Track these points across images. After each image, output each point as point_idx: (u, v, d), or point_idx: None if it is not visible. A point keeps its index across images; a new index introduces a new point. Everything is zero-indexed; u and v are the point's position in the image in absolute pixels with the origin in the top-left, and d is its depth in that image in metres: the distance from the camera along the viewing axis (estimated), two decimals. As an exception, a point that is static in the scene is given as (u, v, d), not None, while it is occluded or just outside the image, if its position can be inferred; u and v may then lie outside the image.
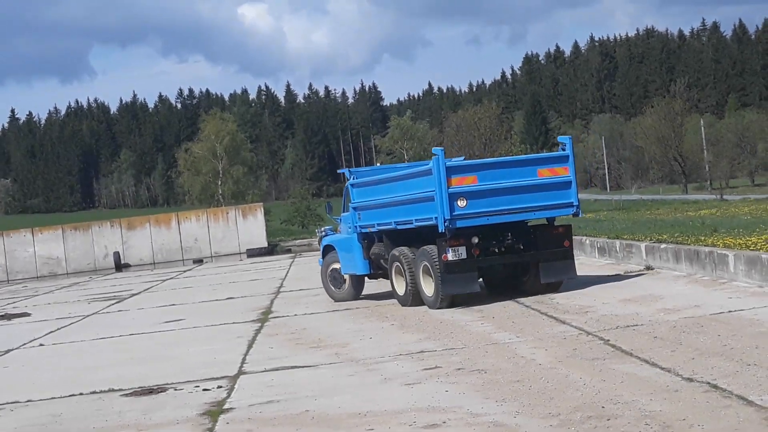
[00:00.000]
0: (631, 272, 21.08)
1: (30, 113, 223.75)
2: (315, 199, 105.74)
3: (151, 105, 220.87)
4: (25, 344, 20.68)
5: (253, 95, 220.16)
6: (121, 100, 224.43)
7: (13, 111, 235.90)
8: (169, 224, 57.55)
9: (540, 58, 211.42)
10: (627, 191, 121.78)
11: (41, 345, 20.38)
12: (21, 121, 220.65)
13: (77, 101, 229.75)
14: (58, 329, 23.07)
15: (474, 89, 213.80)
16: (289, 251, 58.29)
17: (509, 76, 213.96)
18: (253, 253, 55.47)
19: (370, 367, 13.13)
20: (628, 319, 14.75)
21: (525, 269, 19.36)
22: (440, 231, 18.05)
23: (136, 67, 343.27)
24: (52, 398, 13.45)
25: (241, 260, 52.98)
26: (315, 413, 10.59)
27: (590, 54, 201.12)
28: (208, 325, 20.52)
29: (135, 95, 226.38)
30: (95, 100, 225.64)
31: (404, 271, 19.38)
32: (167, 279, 40.15)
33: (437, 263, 18.27)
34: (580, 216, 19.96)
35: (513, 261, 19.18)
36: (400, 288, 19.79)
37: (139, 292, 33.57)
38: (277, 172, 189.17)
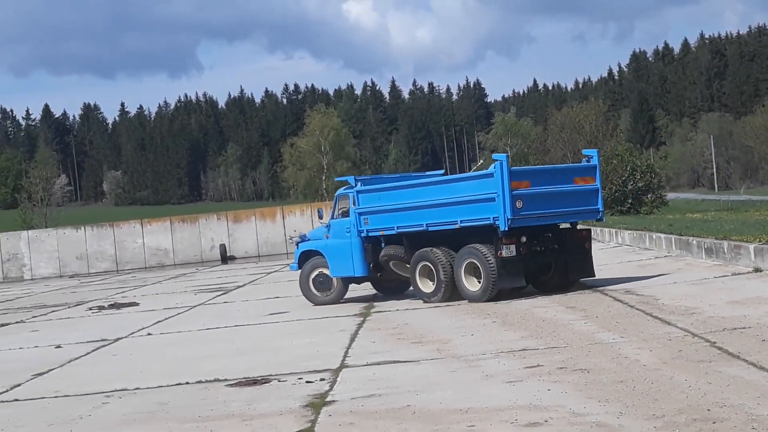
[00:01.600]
0: (739, 274, 20.67)
1: (141, 107, 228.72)
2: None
3: (257, 100, 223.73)
4: (133, 333, 21.16)
5: (358, 91, 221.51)
6: (229, 95, 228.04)
7: (123, 105, 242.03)
8: (273, 218, 58.20)
9: (648, 56, 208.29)
10: (735, 191, 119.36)
11: (149, 334, 20.83)
12: (131, 115, 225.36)
13: (186, 95, 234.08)
14: (166, 319, 23.56)
15: (580, 86, 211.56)
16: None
17: (616, 74, 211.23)
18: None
19: (471, 364, 13.12)
20: (736, 321, 14.46)
21: (549, 267, 21.20)
22: (502, 229, 19.76)
23: (243, 62, 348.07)
24: (159, 386, 13.74)
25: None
26: (416, 408, 10.63)
27: (700, 52, 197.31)
28: (311, 318, 20.74)
29: (242, 90, 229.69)
30: (204, 95, 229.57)
31: (436, 269, 20.82)
32: (272, 272, 40.62)
33: (490, 260, 19.94)
34: (603, 221, 23.01)
35: (550, 259, 21.04)
36: (426, 286, 21.25)
37: (244, 284, 34.04)
38: (380, 168, 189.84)
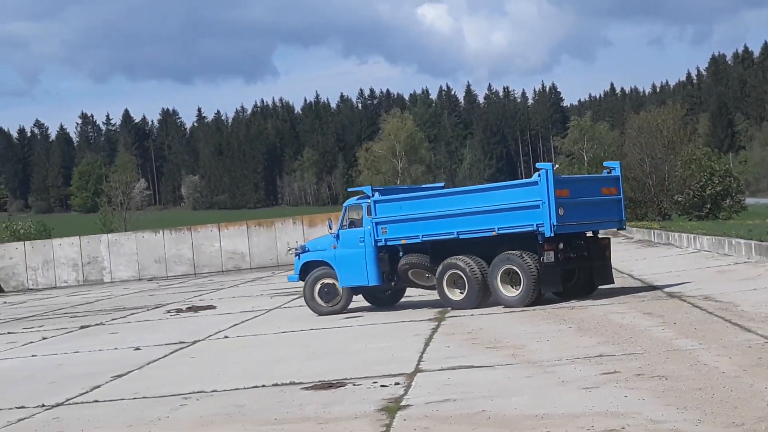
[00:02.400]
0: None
1: (218, 112, 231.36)
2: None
3: (333, 105, 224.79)
4: (210, 336, 21.39)
5: (433, 95, 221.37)
6: (305, 100, 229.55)
7: (200, 110, 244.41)
8: (348, 222, 58.32)
9: (727, 59, 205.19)
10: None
11: (226, 337, 21.04)
12: (208, 120, 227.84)
13: (263, 100, 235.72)
14: (242, 322, 23.78)
15: (657, 90, 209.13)
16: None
17: (694, 77, 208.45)
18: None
19: (547, 370, 13.04)
20: (818, 329, 14.19)
21: (573, 274, 21.84)
22: (547, 235, 20.38)
23: (318, 67, 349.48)
24: (236, 389, 13.87)
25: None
26: (491, 413, 10.60)
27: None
28: (385, 323, 20.77)
29: (318, 95, 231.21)
30: (280, 100, 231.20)
31: (467, 276, 21.28)
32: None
33: (531, 266, 20.57)
34: (625, 229, 24.72)
35: (580, 266, 21.75)
36: (454, 293, 21.71)
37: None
38: (455, 172, 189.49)
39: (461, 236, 21.57)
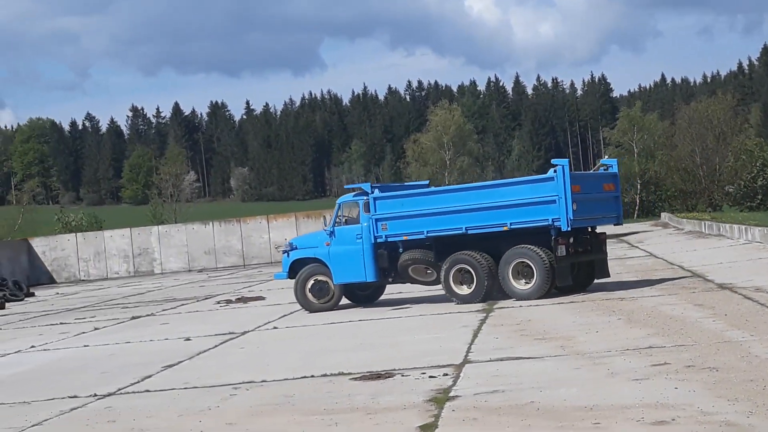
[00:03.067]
0: None
1: (266, 104, 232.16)
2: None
3: (381, 97, 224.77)
4: (260, 327, 21.53)
5: (481, 87, 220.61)
6: (352, 92, 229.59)
7: (248, 102, 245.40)
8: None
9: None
10: None
11: (275, 328, 21.16)
12: (257, 113, 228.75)
13: (311, 93, 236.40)
14: (291, 313, 23.88)
15: (708, 80, 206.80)
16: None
17: (746, 67, 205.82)
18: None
19: (596, 361, 12.98)
20: None
21: (574, 268, 22.16)
22: (564, 230, 21.05)
23: (365, 59, 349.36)
24: (285, 379, 13.95)
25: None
26: (540, 405, 10.58)
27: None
28: (433, 314, 20.78)
29: (365, 87, 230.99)
30: (328, 92, 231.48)
31: (477, 271, 21.65)
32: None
33: (545, 259, 21.13)
34: (622, 224, 24.89)
35: (585, 259, 22.38)
36: (461, 289, 21.98)
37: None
38: (503, 164, 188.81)
39: (470, 232, 21.98)
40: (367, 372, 13.74)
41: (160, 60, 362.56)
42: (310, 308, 23.62)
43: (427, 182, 26.56)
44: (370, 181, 23.96)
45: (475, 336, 16.66)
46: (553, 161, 21.94)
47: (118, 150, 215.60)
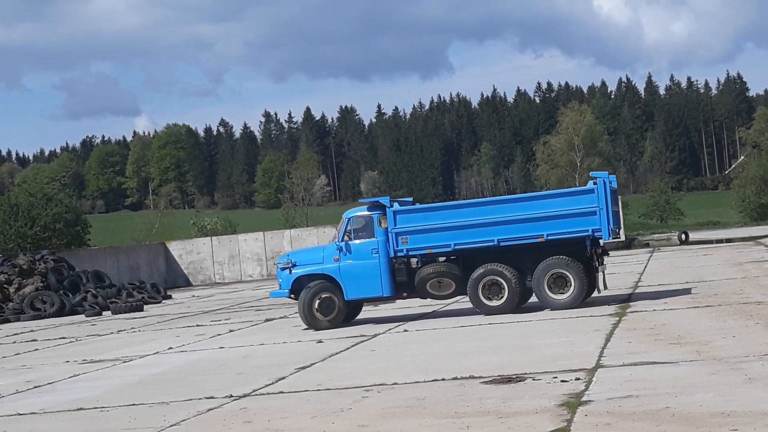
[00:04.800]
0: None
1: (396, 108, 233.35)
2: (674, 192, 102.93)
3: (510, 99, 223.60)
4: (390, 329, 21.67)
5: (612, 87, 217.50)
6: (481, 94, 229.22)
7: (379, 106, 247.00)
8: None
9: None
10: None
11: (405, 330, 21.27)
12: (387, 116, 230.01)
13: (440, 96, 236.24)
14: (421, 316, 23.96)
15: None
16: (646, 245, 57.20)
17: None
18: (609, 246, 54.95)
19: (733, 366, 12.70)
20: None
21: None
22: (605, 240, 22.24)
23: (494, 61, 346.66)
24: (416, 382, 14.00)
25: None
26: (675, 410, 10.39)
27: None
28: (564, 318, 20.60)
29: (494, 89, 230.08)
30: (457, 95, 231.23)
31: (508, 282, 22.16)
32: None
33: (581, 270, 21.95)
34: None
35: (602, 270, 22.81)
36: (490, 300, 22.41)
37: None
38: (635, 165, 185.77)
39: (502, 244, 22.38)
40: (498, 375, 13.71)
41: (291, 65, 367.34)
42: (318, 327, 22.92)
43: (410, 199, 25.81)
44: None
45: (607, 340, 16.46)
46: (592, 174, 22.83)
47: (251, 155, 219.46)
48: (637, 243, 57.97)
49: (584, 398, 11.57)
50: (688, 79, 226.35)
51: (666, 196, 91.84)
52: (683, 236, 59.02)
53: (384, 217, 23.09)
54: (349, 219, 23.59)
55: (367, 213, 23.43)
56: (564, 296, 21.99)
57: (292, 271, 23.72)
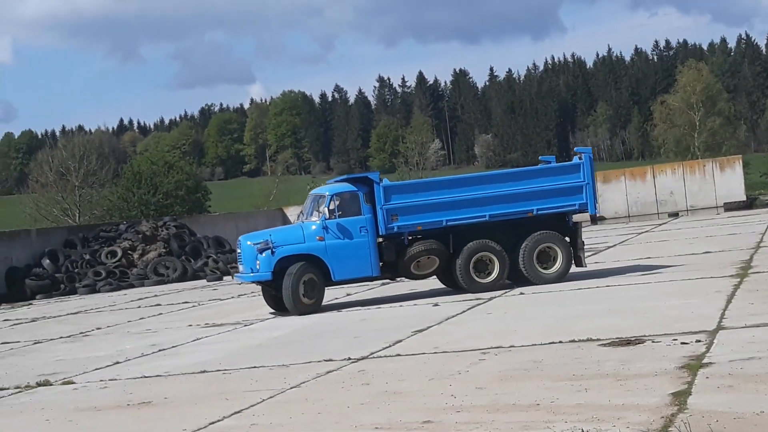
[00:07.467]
0: None
1: (509, 70, 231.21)
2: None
3: (627, 58, 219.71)
4: (506, 292, 21.63)
5: (731, 44, 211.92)
6: (596, 54, 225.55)
7: (492, 69, 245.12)
8: (644, 177, 57.40)
9: None
10: None
11: (521, 293, 21.22)
12: (500, 79, 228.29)
13: (553, 57, 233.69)
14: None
15: None
16: (768, 205, 55.82)
17: None
18: (730, 206, 53.83)
19: None
20: None
21: None
22: (591, 213, 22.95)
23: (607, 21, 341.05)
24: (533, 345, 13.97)
25: (717, 214, 51.58)
26: (799, 373, 10.19)
27: None
28: (683, 279, 20.29)
29: (610, 49, 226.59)
30: (572, 56, 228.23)
31: (500, 258, 22.08)
32: (642, 232, 40.02)
33: (567, 244, 22.49)
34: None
35: (581, 245, 23.01)
36: (480, 276, 22.16)
37: (615, 245, 33.79)
38: (756, 123, 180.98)
39: (493, 219, 22.20)
40: (617, 338, 13.59)
41: (401, 30, 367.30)
42: (302, 311, 21.50)
43: (377, 173, 22.79)
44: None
45: (728, 302, 16.17)
46: (576, 149, 23.22)
47: (365, 120, 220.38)
48: (758, 203, 56.61)
49: (705, 360, 11.40)
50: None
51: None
52: (807, 196, 57.45)
53: (369, 195, 22.05)
54: (332, 196, 22.02)
55: (353, 189, 22.14)
56: (553, 270, 22.34)
57: (275, 252, 21.71)
